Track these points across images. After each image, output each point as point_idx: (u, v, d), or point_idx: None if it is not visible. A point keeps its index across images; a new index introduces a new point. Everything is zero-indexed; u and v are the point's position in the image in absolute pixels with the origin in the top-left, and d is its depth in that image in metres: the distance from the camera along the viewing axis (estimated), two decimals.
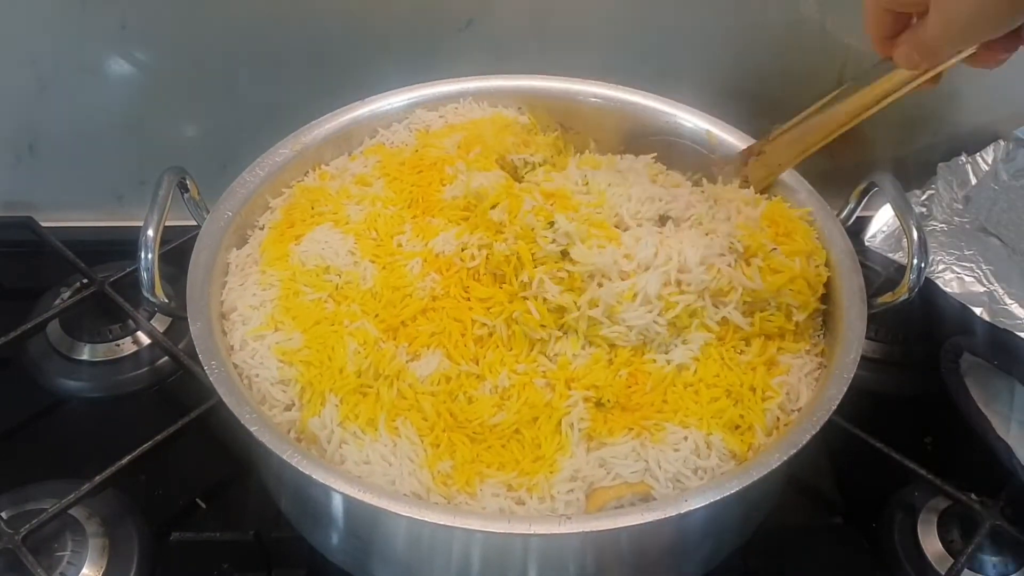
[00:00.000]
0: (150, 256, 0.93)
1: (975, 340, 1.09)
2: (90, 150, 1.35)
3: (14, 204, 1.38)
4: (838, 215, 1.07)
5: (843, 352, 0.94)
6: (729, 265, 0.97)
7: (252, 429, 0.84)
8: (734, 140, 1.15)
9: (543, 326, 0.94)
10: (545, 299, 0.94)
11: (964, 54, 0.87)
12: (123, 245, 1.09)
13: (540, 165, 1.12)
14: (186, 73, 1.29)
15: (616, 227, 1.00)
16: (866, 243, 1.20)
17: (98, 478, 1.02)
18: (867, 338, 0.97)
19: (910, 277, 0.98)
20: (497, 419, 0.89)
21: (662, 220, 1.02)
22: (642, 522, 0.80)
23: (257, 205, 1.08)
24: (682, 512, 0.81)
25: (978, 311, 1.08)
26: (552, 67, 1.21)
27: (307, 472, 0.82)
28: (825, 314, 1.02)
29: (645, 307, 0.94)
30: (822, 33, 1.28)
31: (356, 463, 0.87)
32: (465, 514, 0.82)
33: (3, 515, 1.01)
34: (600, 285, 0.94)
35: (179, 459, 1.11)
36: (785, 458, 0.84)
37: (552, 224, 0.96)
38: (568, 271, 0.95)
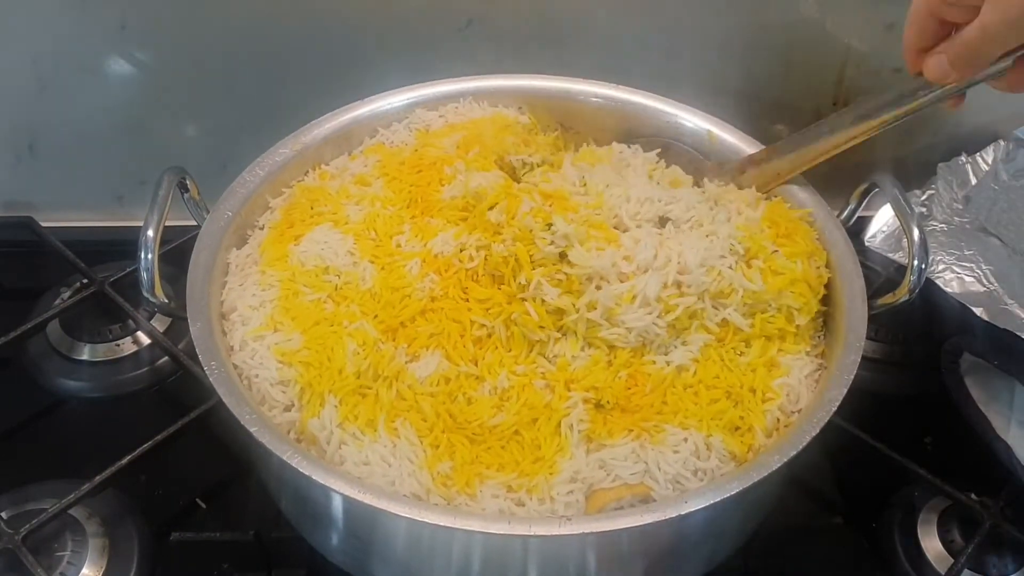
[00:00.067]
0: (150, 256, 0.93)
1: (975, 340, 1.09)
2: (90, 150, 1.35)
3: (14, 204, 1.38)
4: (839, 216, 1.07)
5: (844, 354, 0.94)
6: (730, 267, 0.97)
7: (252, 430, 0.84)
8: (735, 140, 1.15)
9: (542, 327, 0.94)
10: (544, 301, 0.94)
11: (993, 69, 0.89)
12: (123, 245, 1.09)
13: (538, 165, 1.11)
14: (186, 73, 1.29)
15: (615, 228, 0.99)
16: (866, 243, 1.20)
17: (98, 478, 1.02)
18: (867, 338, 0.96)
19: (910, 278, 0.98)
20: (496, 420, 0.89)
21: (662, 221, 1.02)
22: (642, 523, 0.80)
23: (257, 205, 1.08)
24: (682, 513, 0.81)
25: (978, 311, 1.08)
26: (552, 67, 1.21)
27: (307, 473, 0.82)
28: (825, 315, 1.02)
29: (644, 309, 0.94)
30: (822, 33, 1.28)
31: (356, 464, 0.87)
32: (465, 515, 0.82)
33: (3, 515, 1.01)
34: (599, 287, 0.94)
35: (179, 459, 1.11)
36: (785, 460, 0.85)
37: (550, 226, 0.96)
38: (566, 273, 0.95)
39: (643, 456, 0.89)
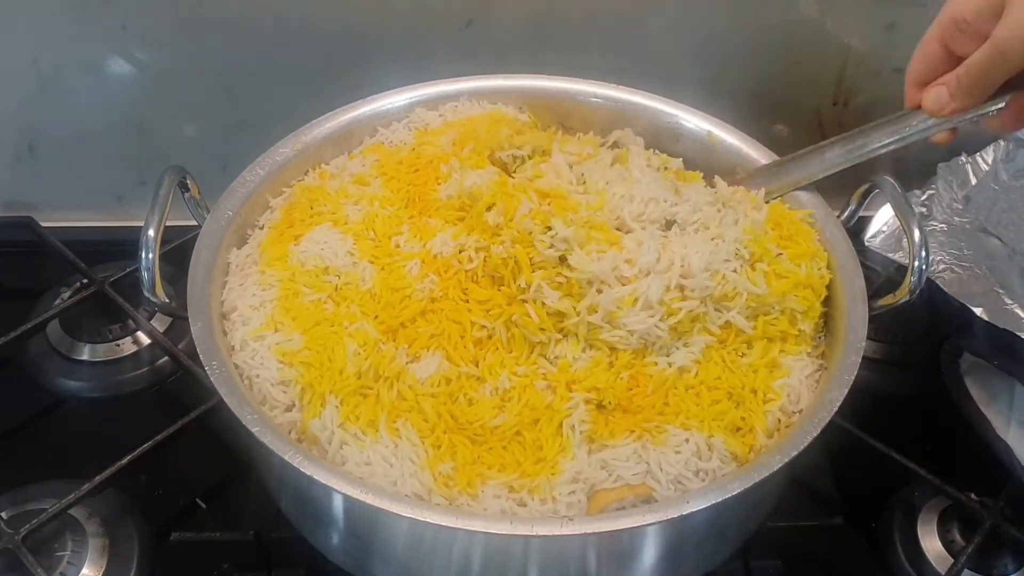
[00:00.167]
0: (151, 256, 0.93)
1: (975, 340, 1.09)
2: (90, 150, 1.35)
3: (14, 204, 1.38)
4: (839, 216, 1.07)
5: (844, 354, 0.94)
6: (734, 271, 0.96)
7: (254, 430, 0.84)
8: (735, 141, 1.15)
9: (542, 329, 0.93)
10: (544, 303, 0.94)
11: (987, 107, 0.91)
12: (123, 245, 1.09)
13: (529, 157, 1.10)
14: (186, 73, 1.29)
15: (618, 229, 0.99)
16: (866, 243, 1.19)
17: (98, 478, 1.02)
18: (867, 338, 0.96)
19: (911, 279, 0.98)
20: (498, 421, 0.89)
21: (668, 224, 1.01)
22: (643, 524, 0.80)
23: (257, 204, 1.08)
24: (683, 514, 0.81)
25: (978, 311, 1.08)
26: (552, 67, 1.21)
27: (309, 473, 0.82)
28: (826, 316, 1.02)
29: (646, 312, 0.93)
30: (822, 33, 1.28)
31: (357, 464, 0.87)
32: (467, 515, 0.82)
33: (3, 515, 1.01)
34: (600, 291, 0.94)
35: (179, 459, 1.11)
36: (786, 460, 0.85)
37: (549, 228, 0.95)
38: (567, 276, 0.94)
39: (645, 457, 0.89)
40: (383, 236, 1.02)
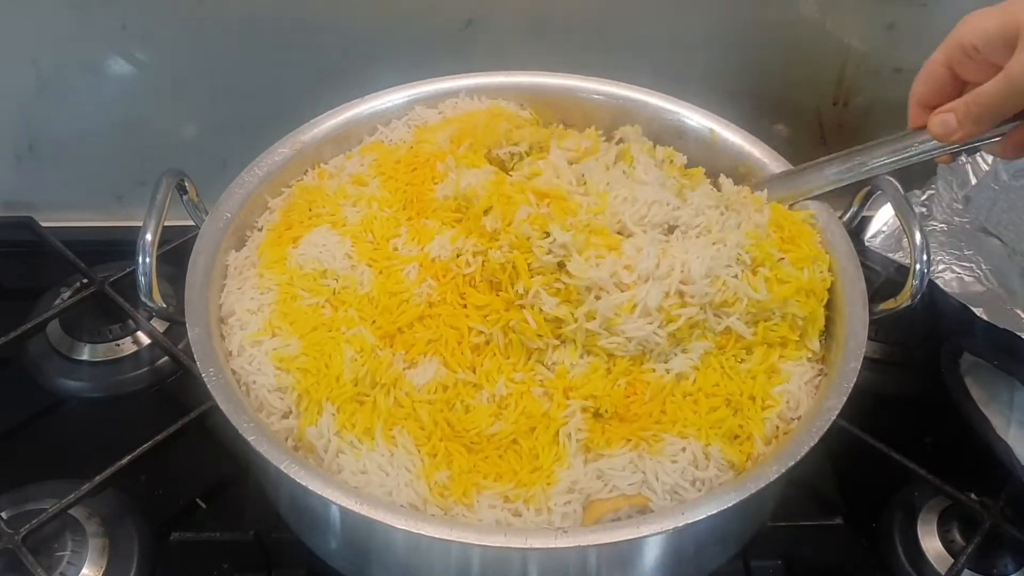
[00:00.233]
0: (148, 260, 0.93)
1: (975, 340, 1.08)
2: (90, 150, 1.35)
3: (14, 204, 1.39)
4: (841, 217, 1.06)
5: (844, 360, 0.94)
6: (735, 276, 0.95)
7: (250, 439, 0.84)
8: (738, 139, 1.15)
9: (540, 336, 0.93)
10: (542, 309, 0.93)
11: (992, 133, 0.91)
12: (123, 245, 1.09)
13: (527, 154, 1.09)
14: (186, 73, 1.30)
15: (619, 232, 0.98)
16: (866, 243, 1.19)
17: (98, 478, 1.02)
18: (867, 338, 0.96)
19: (913, 283, 0.97)
20: (494, 429, 0.89)
21: (670, 228, 1.01)
22: (638, 536, 0.80)
23: (256, 206, 1.08)
24: (678, 526, 0.81)
25: (978, 311, 1.08)
26: (552, 67, 1.20)
27: (304, 483, 0.82)
28: (826, 319, 1.01)
29: (645, 319, 0.93)
30: (822, 33, 1.28)
31: (353, 473, 0.87)
32: (461, 527, 0.82)
33: (3, 515, 1.02)
34: (598, 297, 0.93)
35: (179, 459, 1.11)
36: (783, 470, 0.84)
37: (548, 233, 0.94)
38: (565, 283, 0.93)
39: (641, 466, 0.88)
40: (381, 238, 1.02)
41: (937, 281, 1.12)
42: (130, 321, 1.23)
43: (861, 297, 0.99)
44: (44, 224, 1.35)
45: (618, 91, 1.19)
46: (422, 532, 0.80)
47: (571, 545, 0.80)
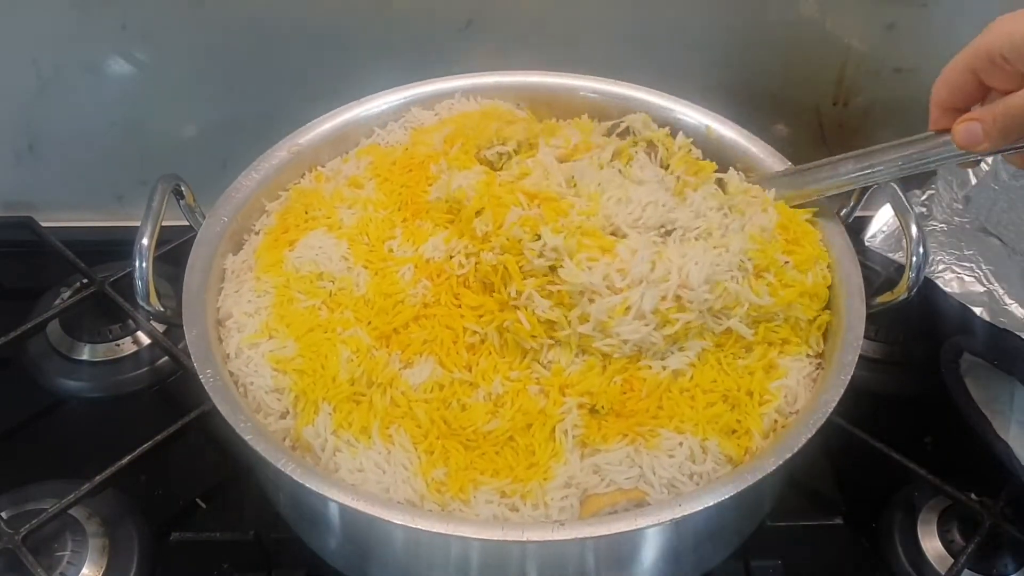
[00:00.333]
0: (145, 265, 0.93)
1: (975, 340, 1.08)
2: (90, 150, 1.36)
3: (14, 204, 1.39)
4: (838, 213, 1.06)
5: (841, 354, 0.94)
6: (737, 281, 0.95)
7: (247, 439, 0.85)
8: (734, 136, 1.15)
9: (534, 336, 0.93)
10: (535, 311, 0.93)
11: (1018, 146, 0.87)
12: (123, 245, 1.08)
13: (515, 153, 1.09)
14: (186, 73, 1.30)
15: (613, 234, 0.98)
16: (866, 243, 1.19)
17: (98, 478, 1.02)
18: (867, 338, 0.96)
19: (909, 276, 0.98)
20: (491, 426, 0.89)
21: (667, 231, 0.99)
22: (634, 528, 0.80)
23: (254, 209, 1.08)
24: (675, 518, 0.81)
25: (978, 311, 1.08)
26: (552, 66, 1.21)
27: (301, 481, 0.82)
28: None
29: (639, 321, 0.92)
30: (822, 33, 1.28)
31: (350, 471, 0.87)
32: (459, 521, 0.82)
33: (3, 515, 1.02)
34: (591, 300, 0.93)
35: (179, 459, 1.12)
36: (780, 462, 0.84)
37: (539, 236, 0.94)
38: (557, 287, 0.93)
39: (638, 461, 0.88)
40: (376, 241, 1.02)
41: (937, 281, 1.12)
42: (130, 321, 1.23)
43: (858, 291, 0.99)
44: (44, 224, 1.35)
45: (616, 89, 1.19)
46: (419, 527, 0.80)
47: (568, 538, 0.80)
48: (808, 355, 0.98)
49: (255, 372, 0.93)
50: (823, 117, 1.35)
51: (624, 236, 0.98)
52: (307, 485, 0.82)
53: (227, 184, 1.08)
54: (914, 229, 0.98)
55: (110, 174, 1.39)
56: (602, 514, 0.85)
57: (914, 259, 0.97)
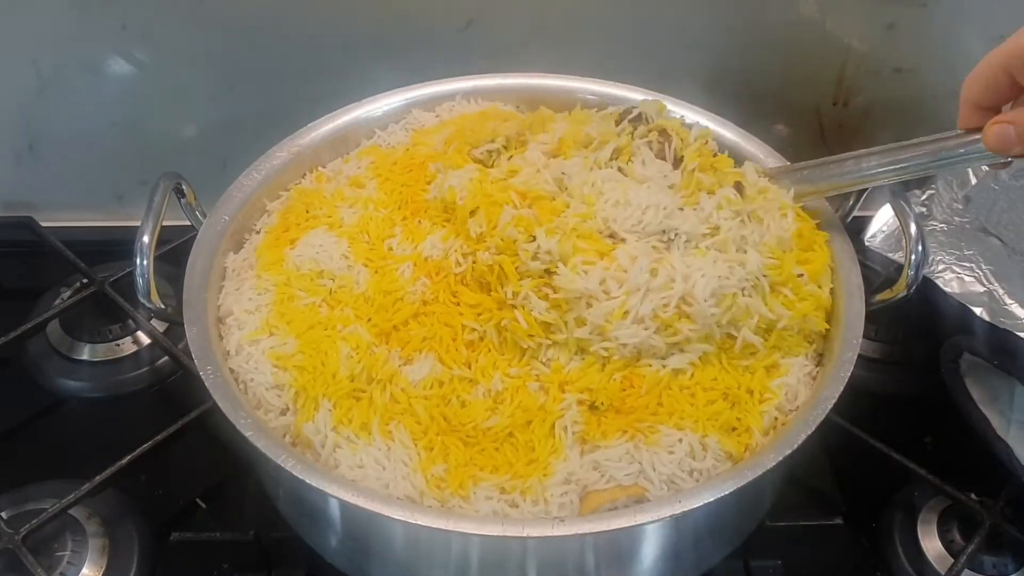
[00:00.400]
0: (145, 263, 0.93)
1: (975, 340, 1.08)
2: (90, 150, 1.36)
3: (14, 204, 1.39)
4: (836, 212, 1.06)
5: (841, 351, 0.94)
6: (749, 295, 0.94)
7: (247, 435, 0.85)
8: (735, 138, 1.15)
9: (531, 336, 0.93)
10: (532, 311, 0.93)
11: None
12: (123, 245, 1.08)
13: (504, 149, 1.08)
14: (186, 73, 1.30)
15: (611, 237, 0.96)
16: (866, 243, 1.19)
17: (98, 478, 1.02)
18: (867, 338, 0.96)
19: (908, 273, 0.98)
20: (490, 423, 0.89)
21: (669, 239, 0.97)
22: (634, 524, 0.80)
23: (254, 209, 1.08)
24: (675, 514, 0.81)
25: (978, 311, 1.07)
26: (552, 67, 1.21)
27: (301, 477, 0.82)
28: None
29: (639, 325, 0.92)
30: (822, 33, 1.28)
31: (350, 467, 0.87)
32: (458, 518, 0.82)
33: (3, 515, 1.01)
34: (589, 305, 0.92)
35: (179, 459, 1.12)
36: (780, 458, 0.84)
37: (534, 237, 0.94)
38: (553, 289, 0.92)
39: (637, 457, 0.88)
40: (376, 239, 1.02)
41: (937, 281, 1.12)
42: (130, 321, 1.23)
43: (857, 289, 0.99)
44: (44, 224, 1.35)
45: (615, 91, 1.19)
46: (419, 523, 0.80)
47: (568, 534, 0.80)
48: (808, 354, 0.98)
49: (255, 369, 0.93)
50: (823, 117, 1.35)
51: (622, 240, 0.96)
52: (307, 481, 0.82)
53: (227, 184, 1.08)
54: (913, 227, 0.98)
55: (110, 174, 1.39)
56: (602, 510, 0.84)
57: (913, 257, 0.97)
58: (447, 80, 1.20)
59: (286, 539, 1.01)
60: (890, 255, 1.18)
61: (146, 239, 0.94)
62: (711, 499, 0.82)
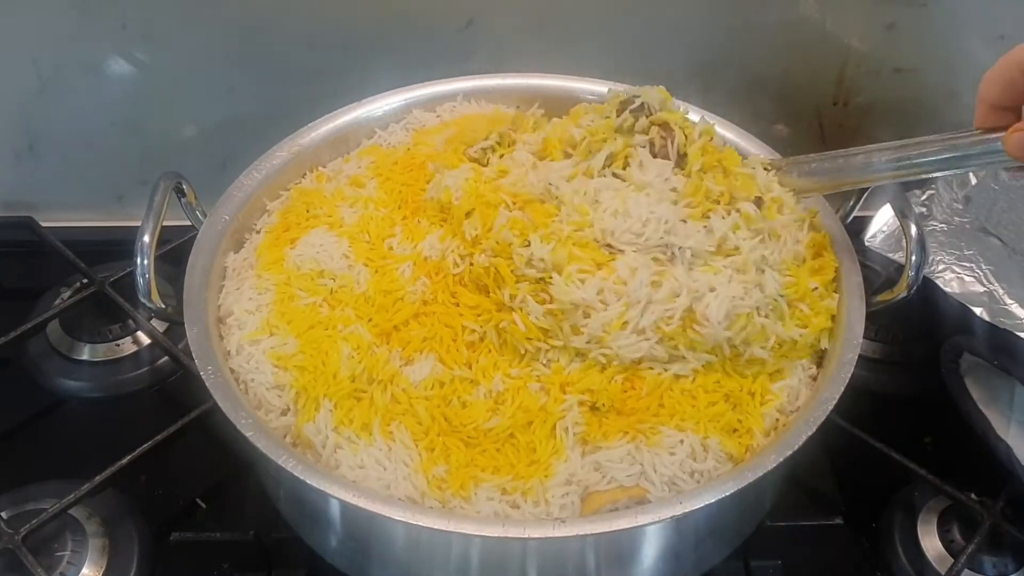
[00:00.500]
0: (146, 262, 0.93)
1: (975, 340, 1.08)
2: (90, 150, 1.36)
3: (14, 204, 1.39)
4: (837, 212, 1.06)
5: (841, 352, 0.94)
6: (765, 316, 0.93)
7: (248, 435, 0.85)
8: (736, 139, 1.15)
9: (529, 339, 0.92)
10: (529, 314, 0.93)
11: None
12: (123, 245, 1.09)
13: (497, 146, 1.08)
14: (186, 73, 1.30)
15: (608, 247, 0.95)
16: (866, 243, 1.19)
17: (98, 478, 1.02)
18: (867, 338, 0.96)
19: (909, 274, 0.98)
20: (492, 423, 0.89)
21: (671, 254, 0.95)
22: (635, 525, 0.80)
23: (255, 208, 1.08)
24: (676, 515, 0.81)
25: (978, 311, 1.08)
26: (552, 67, 1.21)
27: (302, 477, 0.82)
28: None
29: (638, 336, 0.91)
30: (822, 33, 1.28)
31: (351, 468, 0.87)
32: (459, 518, 0.82)
33: (3, 515, 1.01)
34: (587, 315, 0.91)
35: (179, 459, 1.12)
36: (780, 460, 0.84)
37: (529, 243, 0.93)
38: (550, 297, 0.92)
39: (639, 458, 0.88)
40: (377, 238, 1.03)
41: (937, 281, 1.12)
42: (130, 321, 1.23)
43: (858, 290, 0.99)
44: (44, 224, 1.35)
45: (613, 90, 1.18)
46: (420, 524, 0.80)
47: (569, 535, 0.80)
48: (809, 357, 0.98)
49: (256, 369, 0.93)
50: (823, 117, 1.35)
51: (620, 252, 0.94)
52: (308, 481, 0.82)
53: (227, 184, 1.07)
54: (913, 228, 0.98)
55: (110, 174, 1.39)
56: (603, 511, 0.84)
57: (913, 257, 0.97)
58: (447, 80, 1.20)
59: (286, 539, 1.01)
60: (890, 255, 1.18)
61: (146, 239, 0.94)
62: (712, 500, 0.82)
